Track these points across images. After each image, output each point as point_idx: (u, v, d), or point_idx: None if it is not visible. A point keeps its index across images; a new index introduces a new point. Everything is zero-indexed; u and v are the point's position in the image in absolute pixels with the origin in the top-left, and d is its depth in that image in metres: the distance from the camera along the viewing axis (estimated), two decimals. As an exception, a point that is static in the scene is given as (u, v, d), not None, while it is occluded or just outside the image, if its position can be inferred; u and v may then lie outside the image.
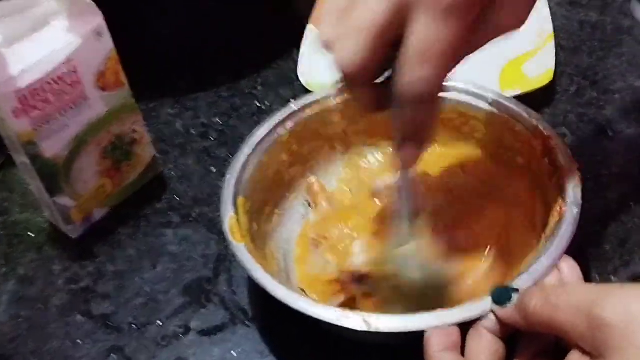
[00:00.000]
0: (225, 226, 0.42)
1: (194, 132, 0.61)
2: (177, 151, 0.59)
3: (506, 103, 0.48)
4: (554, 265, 0.38)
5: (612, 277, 0.45)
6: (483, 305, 0.36)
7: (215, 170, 0.57)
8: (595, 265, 0.46)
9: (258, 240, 0.44)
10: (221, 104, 0.63)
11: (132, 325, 0.47)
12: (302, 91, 0.61)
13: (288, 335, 0.44)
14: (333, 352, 0.43)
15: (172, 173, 0.57)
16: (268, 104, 0.62)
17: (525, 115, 0.47)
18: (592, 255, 0.46)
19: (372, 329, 0.36)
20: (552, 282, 0.37)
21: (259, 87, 0.64)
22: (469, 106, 0.49)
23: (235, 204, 0.43)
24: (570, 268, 0.38)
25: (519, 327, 0.35)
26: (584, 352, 0.31)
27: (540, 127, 0.46)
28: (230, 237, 0.41)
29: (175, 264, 0.50)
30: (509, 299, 0.35)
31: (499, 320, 0.36)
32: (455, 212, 0.47)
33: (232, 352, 0.45)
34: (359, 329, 0.36)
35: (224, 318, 0.46)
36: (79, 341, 0.46)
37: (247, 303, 0.47)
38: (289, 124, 0.49)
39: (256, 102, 0.62)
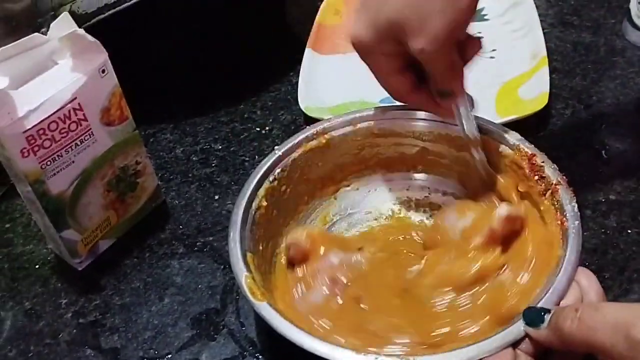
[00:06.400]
0: (244, 288, 0.41)
1: (194, 159, 0.61)
2: (179, 179, 0.59)
3: (487, 126, 0.49)
4: (572, 279, 0.39)
5: (612, 306, 0.46)
6: (516, 329, 0.38)
7: (217, 198, 0.57)
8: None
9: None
10: (220, 129, 0.63)
11: (143, 359, 0.47)
12: (301, 115, 0.62)
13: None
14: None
15: (175, 202, 0.57)
16: (268, 129, 0.63)
17: (505, 135, 0.48)
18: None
19: None
20: (575, 297, 0.39)
21: (258, 112, 0.64)
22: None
23: (245, 262, 0.43)
24: (588, 279, 0.39)
25: (554, 347, 0.37)
26: None
27: (523, 146, 0.47)
28: (251, 299, 0.41)
29: (182, 295, 0.51)
30: (542, 320, 0.37)
31: (532, 341, 0.37)
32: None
33: (243, 385, 0.45)
34: None
35: (233, 351, 0.47)
36: (90, 376, 0.47)
37: (255, 335, 0.48)
38: (277, 170, 0.49)
39: (256, 127, 0.63)
